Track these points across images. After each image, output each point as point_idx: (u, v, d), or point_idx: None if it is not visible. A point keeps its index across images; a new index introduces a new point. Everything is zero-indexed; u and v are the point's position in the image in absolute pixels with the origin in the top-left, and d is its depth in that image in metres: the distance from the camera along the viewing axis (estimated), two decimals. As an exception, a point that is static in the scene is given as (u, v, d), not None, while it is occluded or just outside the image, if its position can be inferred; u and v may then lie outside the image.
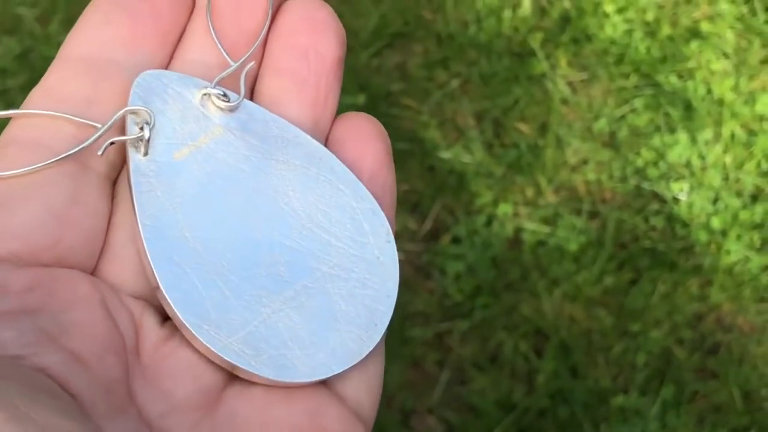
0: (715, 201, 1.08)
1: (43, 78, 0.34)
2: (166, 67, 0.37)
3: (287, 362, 0.33)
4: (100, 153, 0.33)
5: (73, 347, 0.31)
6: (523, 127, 1.11)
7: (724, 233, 1.06)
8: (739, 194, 1.09)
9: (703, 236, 1.05)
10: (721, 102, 1.13)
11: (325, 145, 0.37)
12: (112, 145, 0.34)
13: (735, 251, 1.05)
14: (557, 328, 0.99)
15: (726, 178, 1.09)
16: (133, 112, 0.35)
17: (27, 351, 0.30)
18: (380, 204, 0.36)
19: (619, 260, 1.04)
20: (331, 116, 0.37)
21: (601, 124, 1.11)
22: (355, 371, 0.34)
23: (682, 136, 1.11)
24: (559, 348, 1.00)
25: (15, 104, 0.98)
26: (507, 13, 1.18)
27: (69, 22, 1.06)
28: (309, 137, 0.36)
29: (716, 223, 1.06)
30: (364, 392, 0.35)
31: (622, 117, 1.12)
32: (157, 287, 0.33)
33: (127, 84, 0.35)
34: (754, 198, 1.09)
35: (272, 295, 0.34)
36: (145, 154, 0.34)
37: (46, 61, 1.04)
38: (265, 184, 0.35)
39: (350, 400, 0.34)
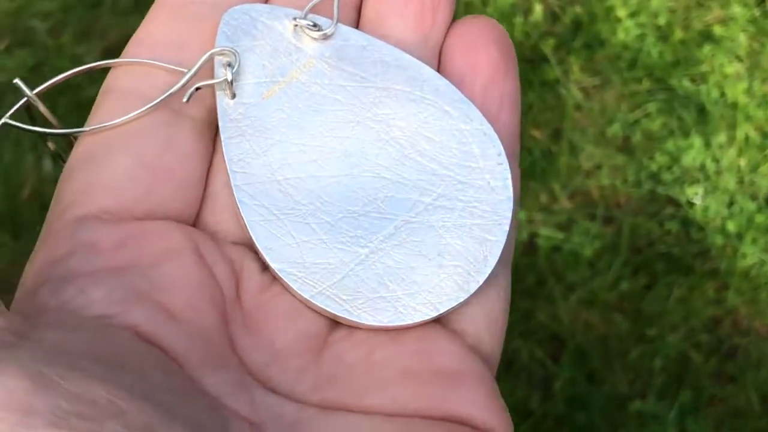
0: (730, 204, 1.07)
1: (142, 22, 0.34)
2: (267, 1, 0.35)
3: (387, 305, 0.31)
4: (185, 100, 0.32)
5: (164, 301, 0.30)
6: (537, 133, 1.11)
7: (739, 236, 1.05)
8: (753, 197, 1.08)
9: (718, 240, 1.05)
10: (734, 105, 1.13)
11: (439, 59, 0.35)
12: (206, 89, 0.33)
13: (751, 254, 1.04)
14: (573, 334, 0.99)
15: (741, 182, 1.09)
16: (221, 53, 0.33)
17: (115, 309, 0.29)
18: (496, 119, 0.34)
19: (634, 265, 1.04)
20: (444, 28, 0.35)
21: (615, 129, 1.11)
22: (471, 305, 0.32)
23: (696, 140, 1.10)
24: (576, 354, 1.00)
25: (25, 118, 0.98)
26: (518, 19, 1.17)
27: (81, 35, 1.06)
28: (411, 58, 0.34)
29: (731, 226, 1.06)
30: (483, 326, 0.33)
31: (636, 122, 1.12)
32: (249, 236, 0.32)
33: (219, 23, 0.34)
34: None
35: (370, 234, 0.32)
36: (233, 96, 0.33)
37: (59, 74, 1.04)
38: (363, 114, 0.33)
39: (469, 335, 0.32)
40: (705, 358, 0.99)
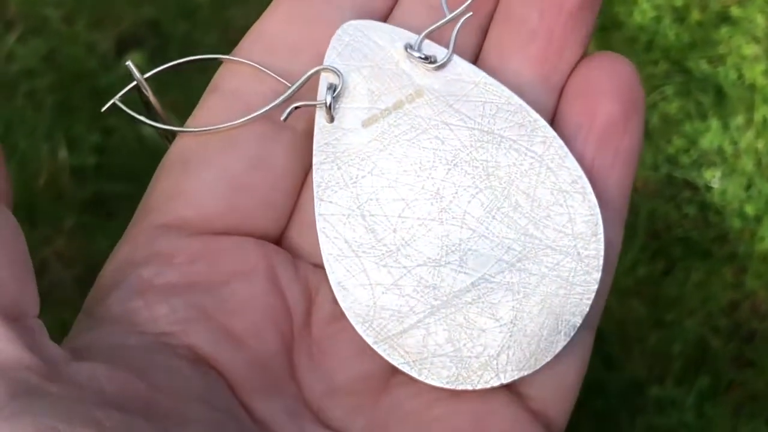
0: (749, 187, 1.07)
1: (264, 13, 0.33)
2: (391, 8, 0.33)
3: (450, 365, 0.30)
4: (282, 118, 0.31)
5: (227, 323, 0.30)
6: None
7: (757, 219, 1.04)
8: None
9: (736, 223, 1.04)
10: (752, 87, 1.12)
11: (558, 99, 0.33)
12: (301, 108, 0.31)
13: (769, 238, 1.04)
14: (591, 319, 0.99)
15: (759, 164, 1.08)
16: (326, 71, 0.32)
17: (176, 328, 0.29)
18: (606, 177, 0.32)
19: (652, 250, 1.03)
20: (569, 68, 0.33)
21: (631, 112, 1.10)
22: (541, 372, 0.30)
23: (714, 123, 1.09)
24: (594, 339, 0.99)
25: (43, 106, 0.98)
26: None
27: (95, 23, 1.06)
28: (524, 104, 0.31)
29: (750, 209, 1.05)
30: (551, 393, 0.31)
31: (653, 105, 1.11)
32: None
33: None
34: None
35: (446, 287, 0.30)
36: (331, 120, 0.31)
37: (73, 62, 1.05)
38: (463, 156, 0.31)
39: (534, 399, 0.31)
40: (723, 343, 0.99)
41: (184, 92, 0.94)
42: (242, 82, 0.32)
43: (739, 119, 1.10)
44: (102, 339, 0.29)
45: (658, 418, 0.94)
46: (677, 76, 1.13)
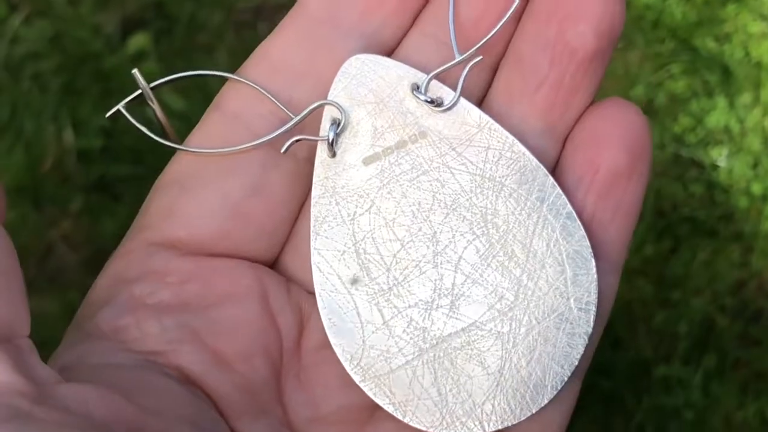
0: (755, 166, 1.06)
1: (272, 33, 0.33)
2: (399, 40, 0.33)
3: (434, 409, 0.30)
4: (282, 151, 0.31)
5: (217, 345, 0.30)
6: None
7: (764, 198, 1.04)
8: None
9: (743, 202, 1.04)
10: (759, 65, 1.11)
11: (562, 149, 0.32)
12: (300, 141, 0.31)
13: (776, 216, 1.04)
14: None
15: (765, 142, 1.07)
16: (330, 104, 0.32)
17: (166, 348, 0.29)
18: (605, 230, 0.31)
19: (658, 229, 1.03)
20: (576, 115, 0.32)
21: (638, 91, 1.10)
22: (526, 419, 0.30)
23: (720, 101, 1.09)
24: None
25: (49, 89, 0.98)
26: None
27: (100, 5, 1.06)
28: (526, 151, 0.31)
29: (756, 188, 1.05)
30: None
31: (659, 83, 1.11)
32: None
33: (346, 56, 0.32)
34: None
35: (436, 331, 0.30)
36: (332, 155, 0.31)
37: (78, 44, 1.05)
38: (462, 201, 0.31)
39: None
40: (730, 322, 0.99)
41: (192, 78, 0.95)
42: (245, 104, 0.32)
43: (745, 97, 1.10)
44: (91, 355, 0.29)
45: (665, 398, 0.94)
46: (684, 55, 1.13)
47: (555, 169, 0.32)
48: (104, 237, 0.93)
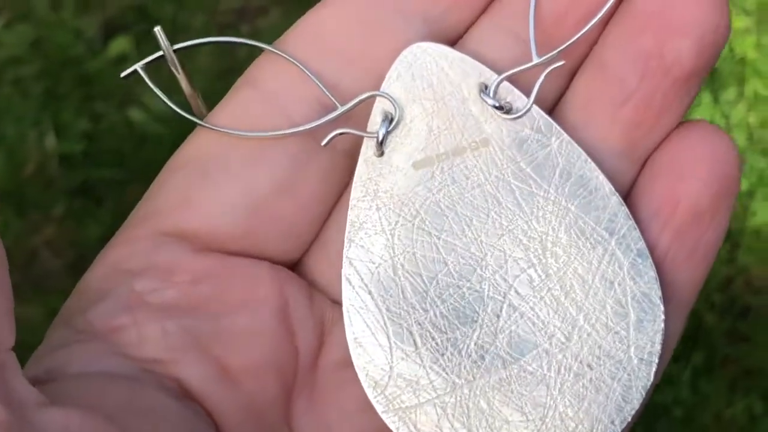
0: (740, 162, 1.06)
1: (320, 4, 0.29)
2: (466, 29, 0.29)
3: None
4: (323, 144, 0.28)
5: (225, 357, 0.27)
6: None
7: (750, 194, 1.04)
8: (764, 153, 1.07)
9: (729, 198, 1.04)
10: (743, 61, 1.11)
11: (639, 172, 0.29)
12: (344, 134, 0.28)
13: (761, 212, 1.03)
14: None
15: (750, 138, 1.07)
16: (382, 97, 0.28)
17: (166, 356, 0.26)
18: (678, 270, 0.28)
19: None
20: (660, 137, 0.28)
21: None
22: None
23: (705, 96, 1.09)
24: None
25: (30, 94, 0.97)
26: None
27: (81, 8, 1.05)
28: (600, 176, 0.28)
29: (742, 183, 1.05)
30: None
31: (643, 80, 1.11)
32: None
33: (405, 43, 0.28)
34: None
35: (475, 367, 0.27)
36: (380, 154, 0.28)
37: (60, 49, 1.04)
38: (520, 224, 0.28)
39: None
40: (718, 319, 0.98)
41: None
42: (284, 83, 0.29)
43: (730, 93, 1.10)
44: (79, 360, 0.26)
45: (654, 395, 0.94)
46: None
47: (628, 196, 0.29)
48: (88, 242, 0.92)
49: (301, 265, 0.30)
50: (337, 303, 0.29)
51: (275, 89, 0.29)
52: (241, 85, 0.29)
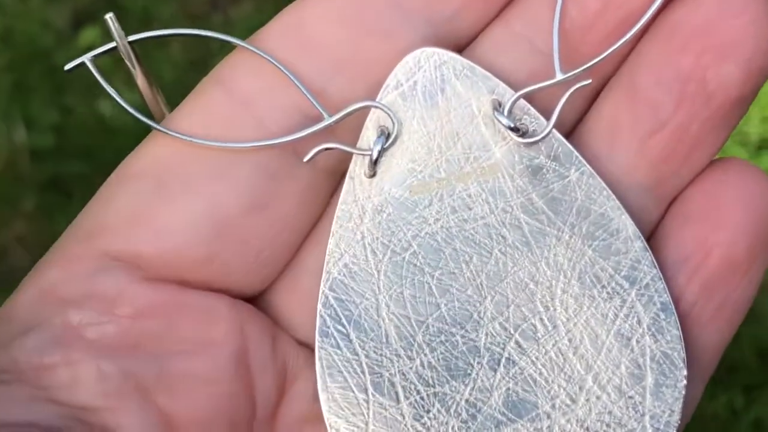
0: (722, 152, 1.06)
1: None
2: (477, 34, 0.25)
3: None
4: (305, 159, 0.24)
5: (169, 408, 0.23)
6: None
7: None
8: (744, 144, 1.07)
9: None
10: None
11: (665, 210, 0.25)
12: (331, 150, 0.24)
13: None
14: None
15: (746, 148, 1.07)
16: (377, 109, 0.24)
17: (101, 403, 0.23)
18: (702, 329, 0.25)
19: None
20: (691, 175, 0.25)
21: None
22: None
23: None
24: None
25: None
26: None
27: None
28: (624, 213, 0.25)
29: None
30: None
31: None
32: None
33: (406, 47, 0.24)
34: (759, 148, 1.07)
35: (464, 429, 0.24)
36: (371, 174, 0.24)
37: (28, 40, 1.02)
38: (527, 265, 0.24)
39: None
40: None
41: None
42: (260, 86, 0.25)
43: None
44: None
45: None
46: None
47: (652, 238, 0.26)
48: (58, 237, 0.91)
49: (266, 297, 0.26)
50: (305, 345, 0.26)
51: (249, 92, 0.25)
52: (208, 83, 0.26)
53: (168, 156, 0.25)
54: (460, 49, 0.26)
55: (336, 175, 0.26)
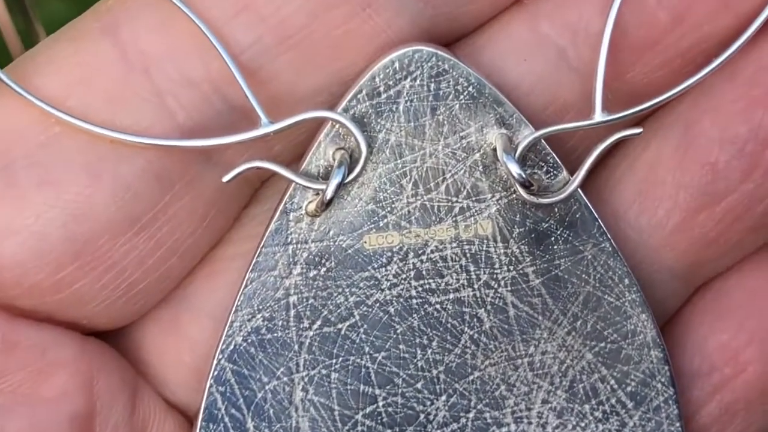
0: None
1: None
2: (479, 27, 0.19)
3: None
4: (225, 180, 0.18)
5: None
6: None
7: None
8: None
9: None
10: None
11: (685, 302, 0.20)
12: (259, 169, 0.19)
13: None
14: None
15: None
16: (337, 124, 0.18)
17: None
18: None
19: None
20: (734, 261, 0.20)
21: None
22: None
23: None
24: None
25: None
26: None
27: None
28: (644, 313, 0.19)
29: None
30: None
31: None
32: None
33: (388, 32, 0.18)
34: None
35: None
36: (318, 213, 0.19)
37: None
38: (503, 365, 0.19)
39: None
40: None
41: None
42: (166, 48, 0.19)
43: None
44: None
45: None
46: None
47: (666, 327, 0.21)
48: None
49: (131, 334, 0.20)
50: (176, 408, 0.20)
51: (150, 53, 0.19)
52: (92, 29, 0.19)
53: (18, 131, 0.19)
54: (463, 36, 0.20)
55: (252, 184, 0.20)
